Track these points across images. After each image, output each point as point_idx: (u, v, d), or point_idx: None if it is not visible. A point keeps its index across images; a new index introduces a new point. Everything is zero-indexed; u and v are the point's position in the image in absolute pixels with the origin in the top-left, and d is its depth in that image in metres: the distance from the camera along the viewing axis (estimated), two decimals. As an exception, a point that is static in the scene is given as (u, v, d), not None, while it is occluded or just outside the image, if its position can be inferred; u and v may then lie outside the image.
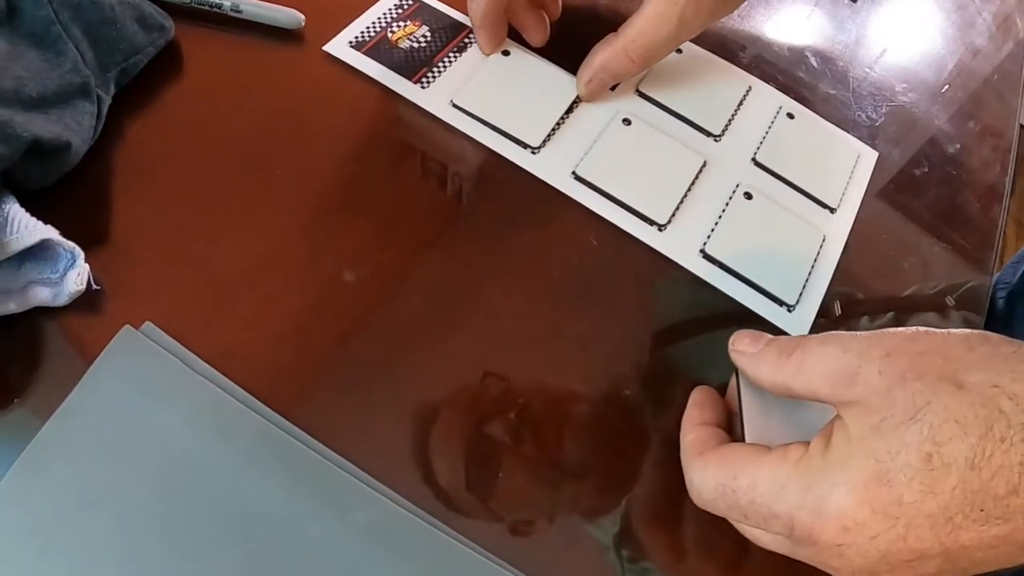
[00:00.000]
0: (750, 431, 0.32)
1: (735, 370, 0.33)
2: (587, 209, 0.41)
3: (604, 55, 0.42)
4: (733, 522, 0.31)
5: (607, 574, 0.33)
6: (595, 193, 0.41)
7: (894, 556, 0.26)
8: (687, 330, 0.39)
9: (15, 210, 0.35)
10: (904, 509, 0.25)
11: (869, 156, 0.48)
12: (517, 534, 0.33)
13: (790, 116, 0.48)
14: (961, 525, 0.25)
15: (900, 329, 0.28)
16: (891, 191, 0.47)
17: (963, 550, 0.25)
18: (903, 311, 0.43)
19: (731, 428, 0.34)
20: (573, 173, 0.42)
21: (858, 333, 0.29)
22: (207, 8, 0.43)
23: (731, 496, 0.29)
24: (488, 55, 0.45)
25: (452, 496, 0.33)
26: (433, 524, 0.31)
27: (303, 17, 0.43)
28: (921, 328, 0.28)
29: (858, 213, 0.45)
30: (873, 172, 0.47)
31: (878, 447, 0.26)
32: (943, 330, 0.28)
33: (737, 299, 0.40)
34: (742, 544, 0.32)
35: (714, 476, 0.30)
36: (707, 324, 0.40)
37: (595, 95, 0.44)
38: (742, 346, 0.32)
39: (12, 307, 0.34)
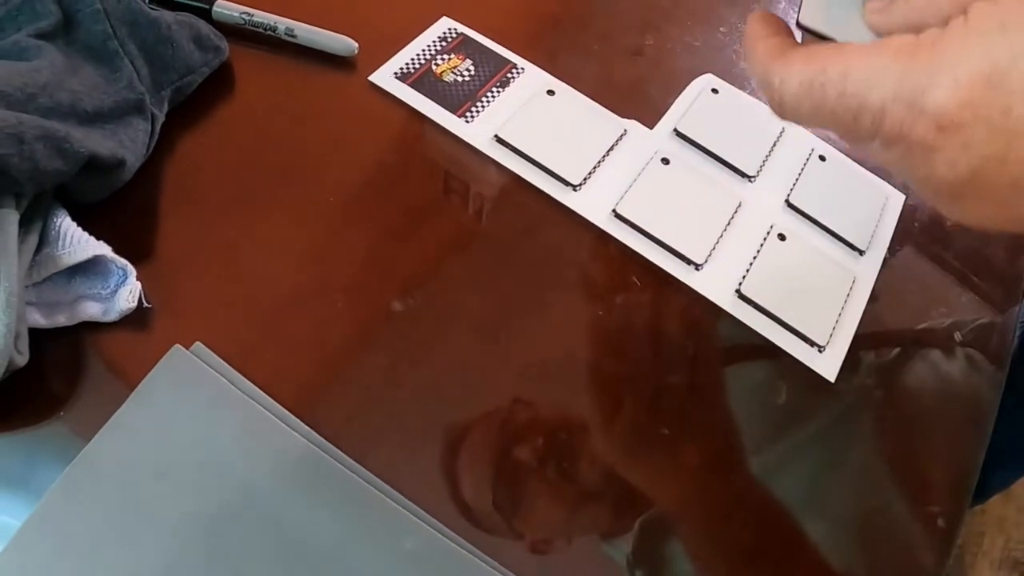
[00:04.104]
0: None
1: None
2: (627, 247, 0.41)
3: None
4: (819, 126, 0.28)
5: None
6: (635, 232, 0.42)
7: (985, 179, 0.23)
8: (720, 370, 0.40)
9: (67, 224, 0.35)
10: (1010, 123, 0.22)
11: (897, 199, 0.49)
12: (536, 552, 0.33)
13: (822, 158, 0.49)
14: None
15: None
16: (922, 241, 0.48)
17: None
18: (912, 345, 0.43)
19: None
20: (613, 211, 0.42)
21: None
22: (261, 31, 0.43)
23: (818, 92, 0.26)
24: None
25: (495, 521, 0.34)
26: (475, 553, 0.32)
27: (356, 45, 0.44)
28: None
29: (886, 257, 0.46)
30: (901, 216, 0.48)
31: (999, 46, 0.23)
32: None
33: (770, 339, 0.40)
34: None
35: (799, 72, 0.26)
36: (741, 365, 0.40)
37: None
38: None
39: (62, 320, 0.35)
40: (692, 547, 0.35)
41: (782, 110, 0.28)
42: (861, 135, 0.26)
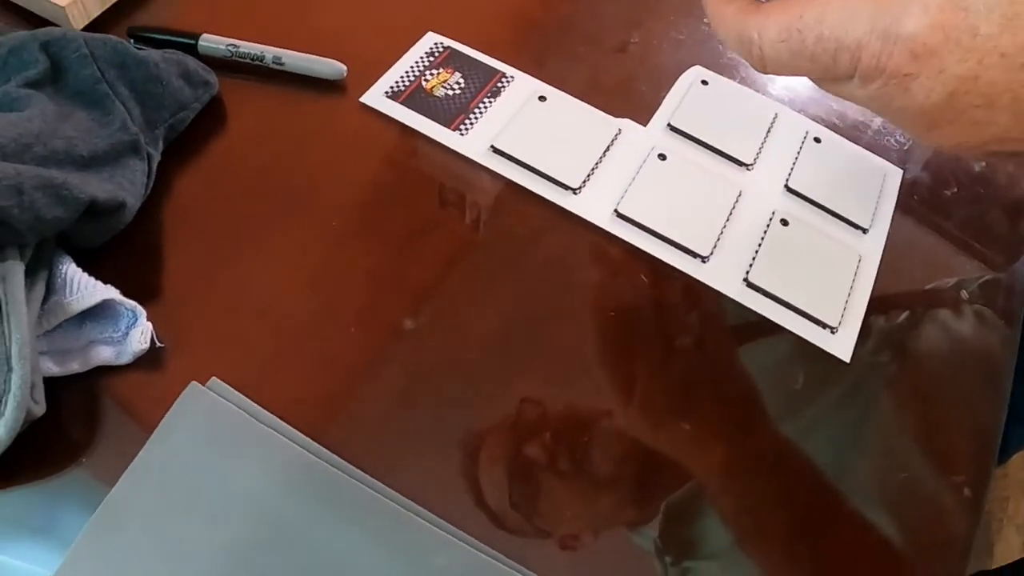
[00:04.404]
0: None
1: None
2: (632, 246, 0.42)
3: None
4: (798, 73, 0.29)
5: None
6: (638, 230, 0.42)
7: (960, 101, 0.25)
8: (735, 357, 0.40)
9: (72, 270, 0.35)
10: (979, 42, 0.24)
11: (895, 174, 0.49)
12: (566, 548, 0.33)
13: (817, 140, 0.49)
14: None
15: None
16: (923, 213, 0.48)
17: None
18: (920, 307, 0.43)
19: None
20: (615, 211, 0.42)
21: None
22: (249, 61, 0.44)
23: (796, 38, 0.27)
24: None
25: (522, 524, 0.34)
26: (508, 564, 0.32)
27: (345, 68, 0.44)
28: None
29: (889, 232, 0.46)
30: (901, 190, 0.48)
31: None
32: None
33: (782, 324, 0.41)
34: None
35: (776, 22, 0.28)
36: (755, 350, 0.40)
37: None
38: None
39: (75, 367, 0.35)
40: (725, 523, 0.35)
41: (763, 62, 0.29)
42: (839, 75, 0.27)
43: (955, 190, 0.50)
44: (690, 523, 0.35)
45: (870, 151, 0.49)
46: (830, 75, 0.27)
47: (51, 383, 0.33)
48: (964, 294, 0.44)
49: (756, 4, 0.29)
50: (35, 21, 0.45)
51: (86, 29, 0.46)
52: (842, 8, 0.26)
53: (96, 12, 0.46)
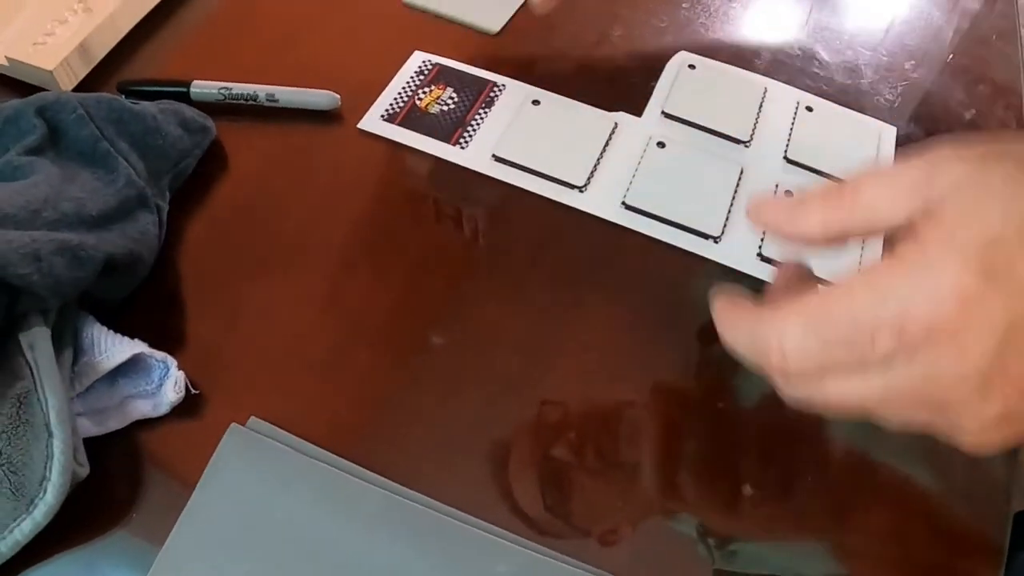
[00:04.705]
0: None
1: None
2: (644, 235, 0.42)
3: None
4: (821, 381, 0.27)
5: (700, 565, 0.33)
6: (648, 219, 0.43)
7: (1013, 347, 0.24)
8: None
9: (98, 329, 0.35)
10: (1018, 277, 0.23)
11: (889, 132, 0.49)
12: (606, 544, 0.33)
13: (809, 109, 0.49)
14: None
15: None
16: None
17: None
18: None
19: None
20: (623, 203, 0.43)
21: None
22: (243, 102, 0.44)
23: (825, 327, 0.26)
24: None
25: (572, 527, 0.34)
26: (567, 562, 0.32)
27: (338, 97, 0.44)
28: None
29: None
30: (897, 147, 0.48)
31: (988, 213, 0.24)
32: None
33: (801, 296, 0.41)
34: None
35: (798, 318, 0.26)
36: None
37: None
38: (773, 210, 0.29)
39: (113, 424, 0.35)
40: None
41: (785, 363, 0.27)
42: (875, 358, 0.26)
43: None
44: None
45: (863, 111, 0.50)
46: (865, 360, 0.26)
47: (92, 443, 0.33)
48: None
49: (768, 309, 0.28)
50: (24, 89, 0.46)
51: (76, 89, 0.46)
52: (871, 288, 0.25)
53: (84, 72, 0.47)
